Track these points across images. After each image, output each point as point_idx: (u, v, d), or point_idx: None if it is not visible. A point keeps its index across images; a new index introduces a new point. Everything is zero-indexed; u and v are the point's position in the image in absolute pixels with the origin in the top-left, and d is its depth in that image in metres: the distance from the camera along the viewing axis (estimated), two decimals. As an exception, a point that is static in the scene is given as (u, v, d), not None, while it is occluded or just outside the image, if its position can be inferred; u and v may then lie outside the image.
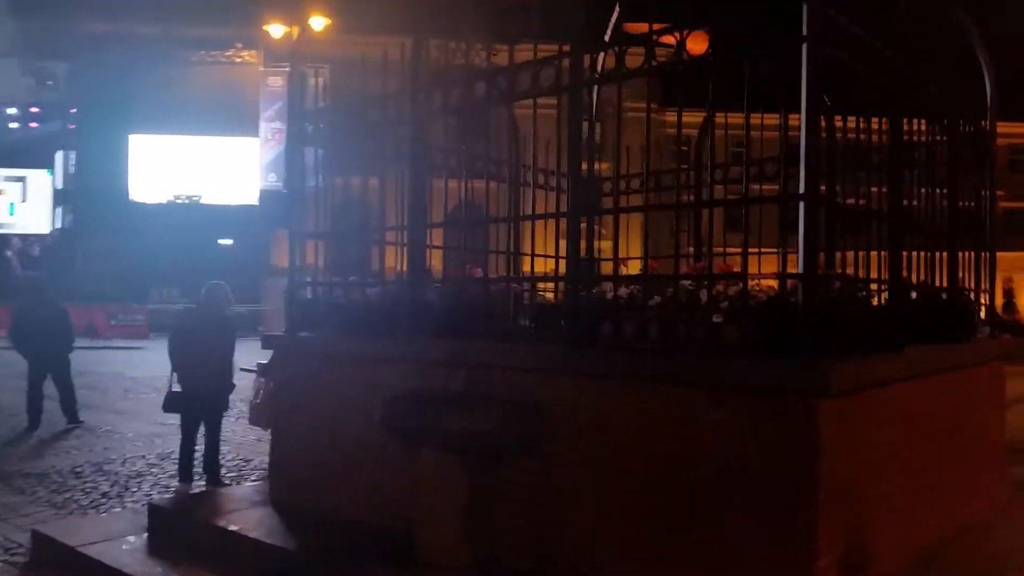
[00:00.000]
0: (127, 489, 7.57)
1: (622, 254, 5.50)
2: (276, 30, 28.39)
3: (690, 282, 3.95)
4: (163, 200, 28.59)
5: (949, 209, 5.31)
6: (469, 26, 5.77)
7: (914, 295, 4.74)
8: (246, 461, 8.72)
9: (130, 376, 16.56)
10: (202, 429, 7.46)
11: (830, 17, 3.56)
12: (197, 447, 7.48)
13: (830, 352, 3.50)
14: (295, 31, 28.27)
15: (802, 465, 3.32)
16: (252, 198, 29.19)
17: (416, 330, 4.92)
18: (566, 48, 4.33)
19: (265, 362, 7.87)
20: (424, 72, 5.42)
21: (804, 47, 3.45)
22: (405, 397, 4.50)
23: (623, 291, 4.23)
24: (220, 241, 29.31)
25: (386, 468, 4.79)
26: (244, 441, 9.70)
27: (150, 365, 18.86)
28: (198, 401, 7.25)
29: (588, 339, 4.14)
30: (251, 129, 28.75)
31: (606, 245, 6.63)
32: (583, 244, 4.63)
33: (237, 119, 28.57)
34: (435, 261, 5.67)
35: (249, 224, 29.09)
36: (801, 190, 3.46)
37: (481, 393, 4.32)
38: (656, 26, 3.97)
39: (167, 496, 7.18)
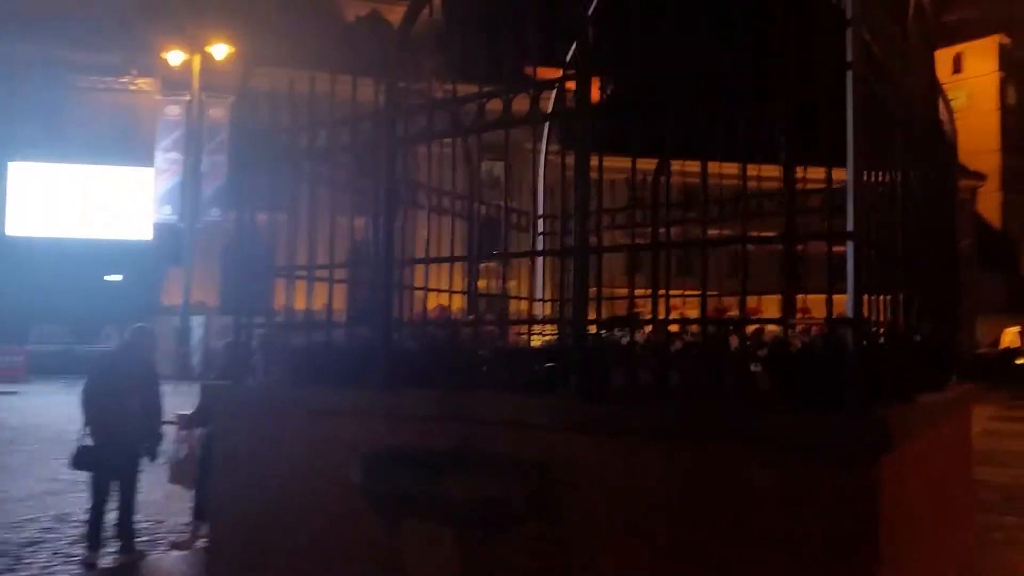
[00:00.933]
0: (20, 561, 6.58)
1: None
2: (175, 57, 27.19)
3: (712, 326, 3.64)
4: (46, 233, 26.54)
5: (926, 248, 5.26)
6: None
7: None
8: (158, 523, 7.80)
9: (10, 426, 14.96)
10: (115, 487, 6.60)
11: (867, 43, 3.37)
12: (109, 509, 6.60)
13: (876, 403, 3.25)
14: (196, 59, 27.15)
15: (863, 531, 3.02)
16: (144, 232, 27.53)
17: (392, 379, 4.42)
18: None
19: (187, 412, 7.10)
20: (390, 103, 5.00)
21: (849, 75, 3.25)
22: (387, 457, 3.97)
23: (636, 336, 3.88)
24: (107, 277, 27.43)
25: (358, 539, 4.22)
26: (152, 499, 8.74)
27: (31, 412, 17.20)
28: (114, 456, 6.41)
29: (601, 389, 3.76)
30: (145, 159, 27.20)
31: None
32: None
33: (130, 148, 27.00)
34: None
35: (140, 260, 27.39)
36: (849, 228, 3.22)
37: (480, 452, 3.84)
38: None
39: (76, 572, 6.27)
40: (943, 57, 47.84)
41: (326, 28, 41.74)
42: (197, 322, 25.96)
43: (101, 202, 26.89)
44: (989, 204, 49.70)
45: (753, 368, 3.39)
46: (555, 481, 3.67)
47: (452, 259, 4.77)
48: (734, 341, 3.48)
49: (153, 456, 6.67)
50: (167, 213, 26.52)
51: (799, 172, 3.72)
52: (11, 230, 26.49)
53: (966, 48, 52.32)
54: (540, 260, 7.00)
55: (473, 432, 3.95)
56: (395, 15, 48.49)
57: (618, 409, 3.66)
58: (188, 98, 27.07)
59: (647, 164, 4.43)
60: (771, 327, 3.85)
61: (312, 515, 4.42)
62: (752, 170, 4.03)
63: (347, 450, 4.26)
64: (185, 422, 6.91)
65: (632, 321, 3.74)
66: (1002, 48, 53.49)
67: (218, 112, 27.27)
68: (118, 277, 27.64)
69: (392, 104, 4.69)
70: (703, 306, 3.58)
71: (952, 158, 5.72)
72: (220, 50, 27.14)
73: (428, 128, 4.59)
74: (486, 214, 6.30)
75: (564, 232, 7.03)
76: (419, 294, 5.28)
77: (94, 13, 31.28)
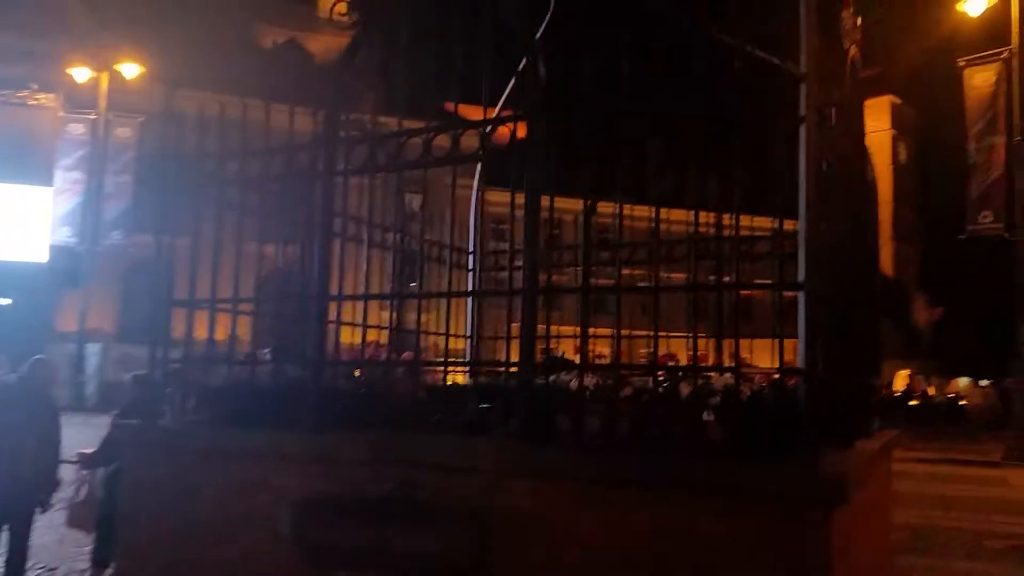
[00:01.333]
0: None
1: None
2: (81, 74, 26.03)
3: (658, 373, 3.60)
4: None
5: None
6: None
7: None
8: (51, 570, 7.20)
9: None
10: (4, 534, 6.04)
11: (817, 98, 3.44)
12: (-2, 556, 6.04)
13: (823, 452, 3.25)
14: (104, 77, 26.09)
15: (816, 582, 2.99)
16: (38, 254, 26.01)
17: (323, 421, 4.19)
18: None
19: (88, 451, 6.61)
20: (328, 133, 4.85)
21: (803, 129, 3.29)
22: (320, 505, 3.74)
23: (577, 379, 3.80)
24: (-4, 301, 25.76)
25: (284, 592, 3.94)
26: (43, 543, 8.07)
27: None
28: (5, 500, 5.87)
29: (547, 434, 3.65)
30: (43, 178, 25.80)
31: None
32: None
33: (26, 166, 25.57)
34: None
35: (33, 283, 25.83)
36: (800, 278, 3.24)
37: (419, 499, 3.66)
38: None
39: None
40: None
41: (242, 53, 40.98)
42: (93, 350, 24.60)
43: (-8, 221, 25.30)
44: (883, 254, 52.52)
45: (704, 417, 3.35)
46: (497, 530, 3.52)
47: (395, 295, 4.60)
48: (684, 388, 3.44)
49: (46, 507, 6.14)
50: (65, 235, 25.13)
51: (746, 219, 3.73)
52: None
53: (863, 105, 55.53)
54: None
55: (411, 477, 3.76)
56: (313, 43, 48.03)
57: (566, 455, 3.55)
58: (93, 116, 25.94)
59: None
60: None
61: (237, 568, 4.11)
62: (680, 215, 4.08)
63: (276, 497, 4.00)
64: (86, 461, 6.42)
65: (582, 365, 3.65)
66: (894, 107, 57.04)
67: (125, 132, 26.19)
68: (7, 301, 25.97)
69: (331, 135, 4.52)
70: (655, 352, 3.53)
71: (875, 211, 5.94)
72: (130, 69, 26.20)
73: (370, 161, 4.44)
74: (411, 248, 6.16)
75: (484, 268, 6.98)
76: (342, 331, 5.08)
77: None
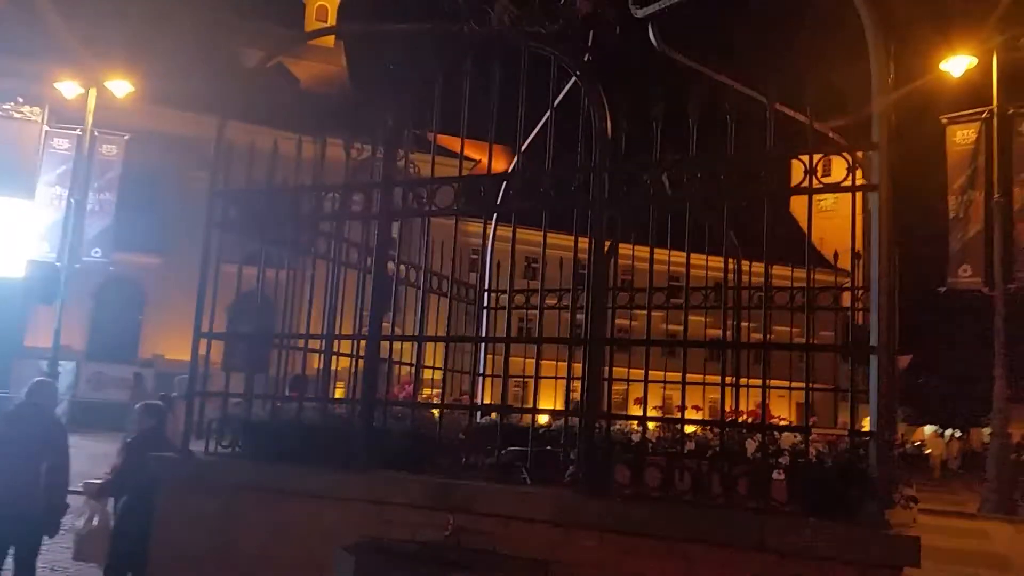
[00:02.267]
0: None
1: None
2: (68, 89, 25.76)
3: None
4: None
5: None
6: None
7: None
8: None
9: None
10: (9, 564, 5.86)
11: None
12: (1, 590, 5.84)
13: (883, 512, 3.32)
14: (92, 93, 25.85)
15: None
16: (12, 268, 25.47)
17: (372, 462, 4.17)
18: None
19: (95, 481, 6.45)
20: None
21: (875, 196, 3.41)
22: (378, 550, 3.71)
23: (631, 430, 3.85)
24: (-35, 315, 25.15)
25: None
26: (45, 576, 7.85)
27: None
28: (8, 526, 5.70)
29: (608, 486, 3.68)
30: (25, 192, 25.39)
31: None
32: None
33: (8, 179, 25.17)
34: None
35: (7, 298, 25.29)
36: (874, 342, 3.33)
37: (478, 547, 3.65)
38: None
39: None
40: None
41: (229, 75, 40.98)
42: (66, 368, 24.07)
43: (-33, 233, 24.79)
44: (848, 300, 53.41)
45: (775, 476, 3.40)
46: (561, 582, 3.52)
47: (449, 339, 4.61)
48: (750, 445, 3.50)
49: (53, 532, 5.99)
50: (44, 250, 24.69)
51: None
52: None
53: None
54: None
55: (468, 524, 3.75)
56: (298, 67, 48.22)
57: (629, 509, 3.57)
58: (78, 132, 25.65)
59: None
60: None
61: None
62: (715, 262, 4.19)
63: (325, 539, 3.96)
64: (96, 491, 6.26)
65: (644, 416, 3.69)
66: (857, 159, 58.73)
67: (111, 149, 25.95)
68: (-23, 316, 25.38)
69: (388, 176, 4.56)
70: (722, 407, 3.58)
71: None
72: (120, 86, 26.01)
73: (428, 203, 4.47)
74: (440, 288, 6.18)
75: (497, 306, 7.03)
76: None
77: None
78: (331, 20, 50.82)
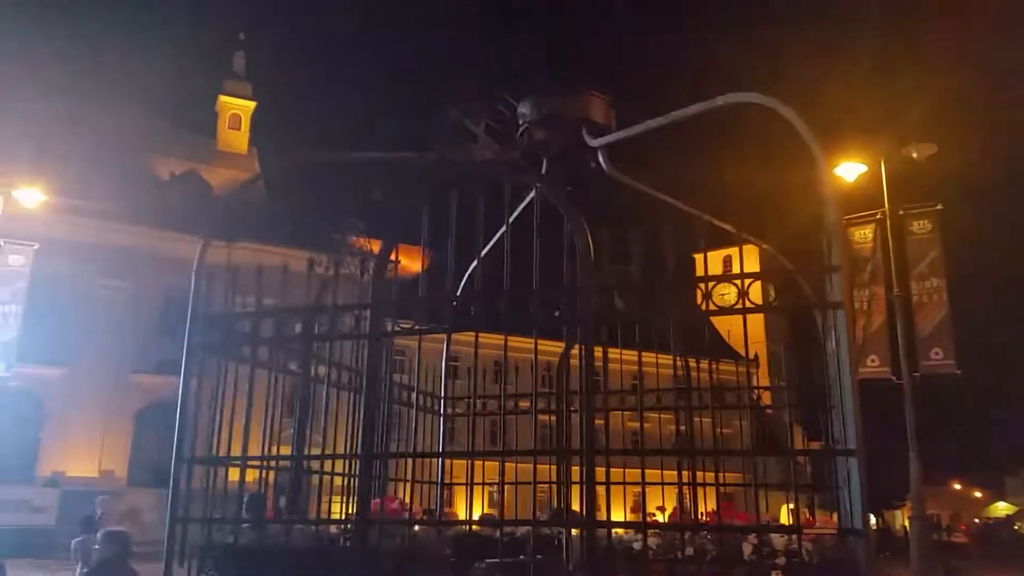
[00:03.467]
0: None
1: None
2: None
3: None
4: None
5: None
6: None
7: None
8: None
9: None
10: None
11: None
12: None
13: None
14: (-1, 201, 25.08)
15: None
16: (-96, 387, 23.85)
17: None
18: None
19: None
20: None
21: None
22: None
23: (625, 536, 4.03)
24: None
25: None
26: None
27: None
28: None
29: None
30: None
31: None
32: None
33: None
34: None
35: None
36: (851, 446, 3.66)
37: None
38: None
39: None
40: (715, 258, 54.19)
41: (139, 183, 40.42)
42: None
43: None
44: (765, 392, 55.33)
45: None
46: None
47: (444, 454, 4.73)
48: (746, 547, 3.73)
49: None
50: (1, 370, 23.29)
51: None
52: None
53: (733, 251, 59.57)
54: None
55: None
56: (212, 175, 48.02)
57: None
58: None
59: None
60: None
61: None
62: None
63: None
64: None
65: (643, 524, 3.88)
66: (762, 252, 61.92)
67: (18, 260, 25.05)
68: None
69: (378, 297, 4.75)
70: (718, 511, 3.82)
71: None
72: (30, 195, 25.36)
73: (419, 323, 4.67)
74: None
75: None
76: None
77: None
78: (244, 128, 51.14)
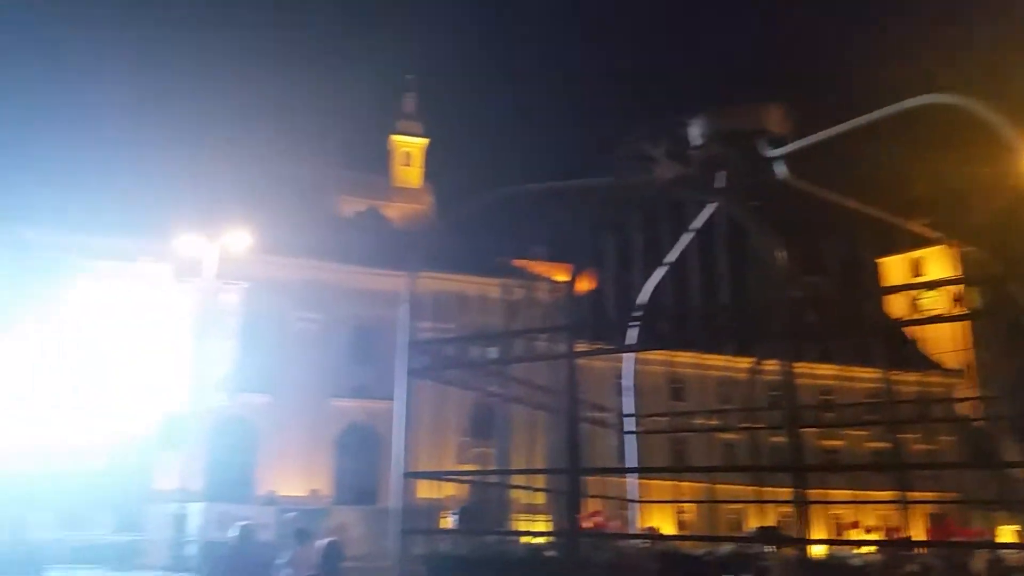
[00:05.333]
0: None
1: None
2: (188, 244, 27.92)
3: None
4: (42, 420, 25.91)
5: None
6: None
7: None
8: None
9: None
10: None
11: None
12: None
13: None
14: (212, 248, 27.91)
15: None
16: (144, 416, 26.97)
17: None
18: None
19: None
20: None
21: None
22: None
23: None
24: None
25: None
26: None
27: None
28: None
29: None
30: (153, 342, 27.20)
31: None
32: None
33: (138, 329, 27.06)
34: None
35: (136, 443, 26.67)
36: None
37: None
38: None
39: None
40: (898, 263, 49.69)
41: (326, 223, 43.63)
42: (193, 509, 24.92)
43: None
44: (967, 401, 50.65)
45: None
46: None
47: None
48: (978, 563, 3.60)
49: None
50: (172, 398, 26.16)
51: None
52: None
53: (922, 254, 54.24)
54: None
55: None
56: (391, 210, 50.90)
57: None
58: (200, 283, 27.62)
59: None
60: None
61: None
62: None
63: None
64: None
65: (886, 540, 3.83)
66: (960, 254, 56.28)
67: (231, 298, 27.78)
68: (114, 461, 26.72)
69: (574, 317, 5.00)
70: (937, 527, 3.71)
71: None
72: (237, 239, 28.05)
73: (608, 342, 4.88)
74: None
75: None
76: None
77: (109, 203, 32.70)
78: (414, 163, 53.66)
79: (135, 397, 26.85)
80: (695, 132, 6.42)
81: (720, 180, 6.52)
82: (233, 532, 6.72)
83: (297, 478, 36.25)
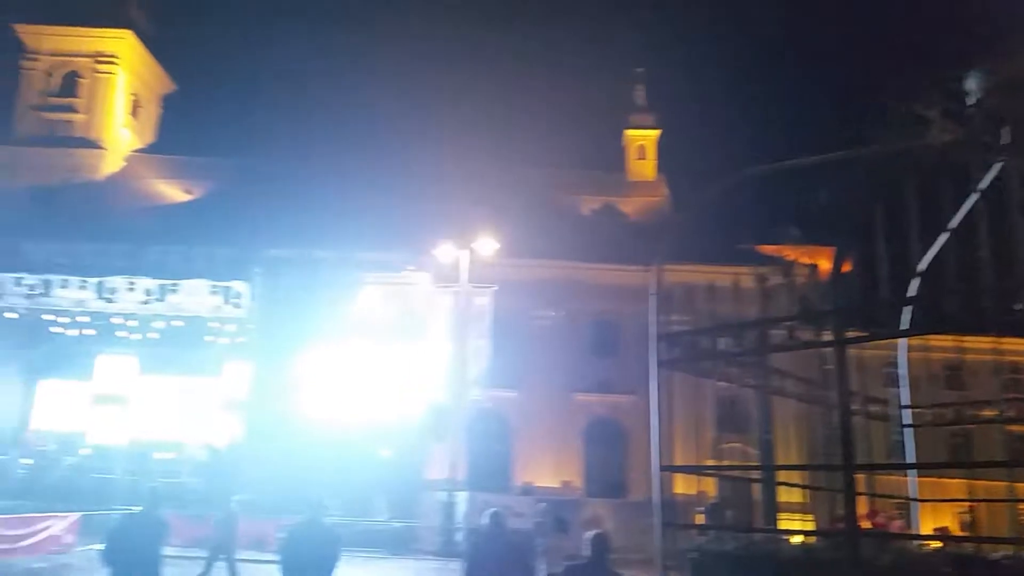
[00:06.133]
0: None
1: None
2: (444, 253, 29.88)
3: None
4: (334, 411, 29.02)
5: None
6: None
7: None
8: None
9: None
10: None
11: None
12: None
13: None
14: (464, 255, 29.65)
15: None
16: (411, 409, 29.29)
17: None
18: None
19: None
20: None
21: None
22: None
23: None
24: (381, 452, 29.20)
25: None
26: None
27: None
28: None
29: None
30: (417, 343, 29.50)
31: None
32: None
33: (406, 333, 29.43)
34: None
35: (407, 435, 29.01)
36: None
37: None
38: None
39: None
40: None
41: (565, 222, 44.58)
42: (460, 498, 26.55)
43: (376, 381, 29.18)
44: None
45: None
46: None
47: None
48: None
49: None
50: (435, 392, 28.24)
51: None
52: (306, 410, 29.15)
53: None
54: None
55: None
56: (626, 205, 50.84)
57: None
58: (456, 288, 29.43)
59: None
60: None
61: None
62: None
63: None
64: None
65: None
66: None
67: (482, 300, 29.32)
68: (389, 452, 29.28)
69: (840, 304, 4.65)
70: None
71: None
72: (484, 245, 29.57)
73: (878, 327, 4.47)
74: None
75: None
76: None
77: (377, 222, 36.00)
78: (649, 156, 52.92)
79: (406, 392, 29.24)
80: (972, 86, 5.72)
81: (1005, 136, 5.77)
82: (484, 519, 7.02)
83: (549, 470, 37.52)
